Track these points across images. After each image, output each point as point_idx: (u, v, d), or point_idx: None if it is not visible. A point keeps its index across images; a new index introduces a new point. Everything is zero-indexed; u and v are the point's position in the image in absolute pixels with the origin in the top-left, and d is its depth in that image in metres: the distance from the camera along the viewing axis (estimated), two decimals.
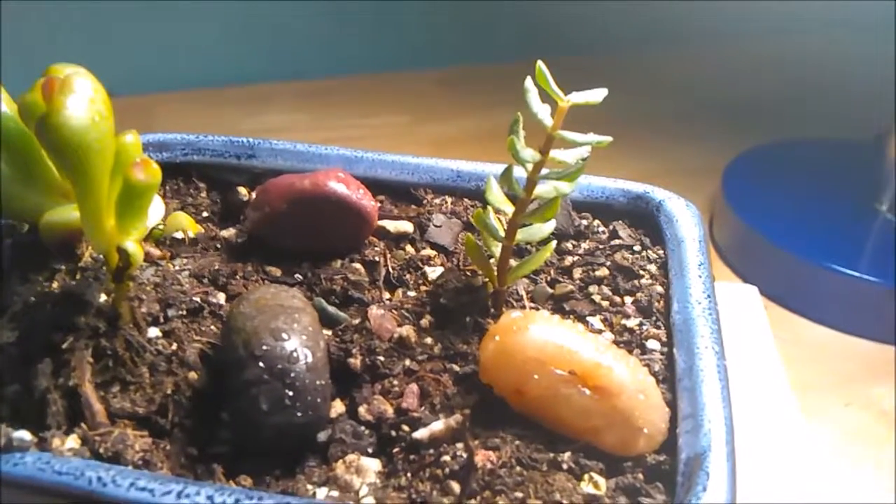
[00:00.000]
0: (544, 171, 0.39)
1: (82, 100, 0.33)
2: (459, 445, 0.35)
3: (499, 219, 0.42)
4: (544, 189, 0.39)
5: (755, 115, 1.00)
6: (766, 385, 0.60)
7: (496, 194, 0.41)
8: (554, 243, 0.42)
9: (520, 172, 0.39)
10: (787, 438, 0.57)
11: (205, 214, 0.49)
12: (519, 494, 0.33)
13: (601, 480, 0.34)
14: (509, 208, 0.41)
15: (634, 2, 1.08)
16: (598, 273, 0.44)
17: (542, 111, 0.38)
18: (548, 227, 0.41)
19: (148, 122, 0.96)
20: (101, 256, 0.39)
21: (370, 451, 0.35)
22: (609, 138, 0.38)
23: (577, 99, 0.38)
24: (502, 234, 0.40)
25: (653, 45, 1.11)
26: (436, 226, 0.47)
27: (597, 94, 0.38)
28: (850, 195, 0.79)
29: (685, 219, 0.45)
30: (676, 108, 1.02)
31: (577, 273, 0.45)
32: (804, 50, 1.11)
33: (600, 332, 0.41)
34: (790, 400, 0.60)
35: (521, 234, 0.41)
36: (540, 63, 0.37)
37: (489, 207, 0.41)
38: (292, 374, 0.35)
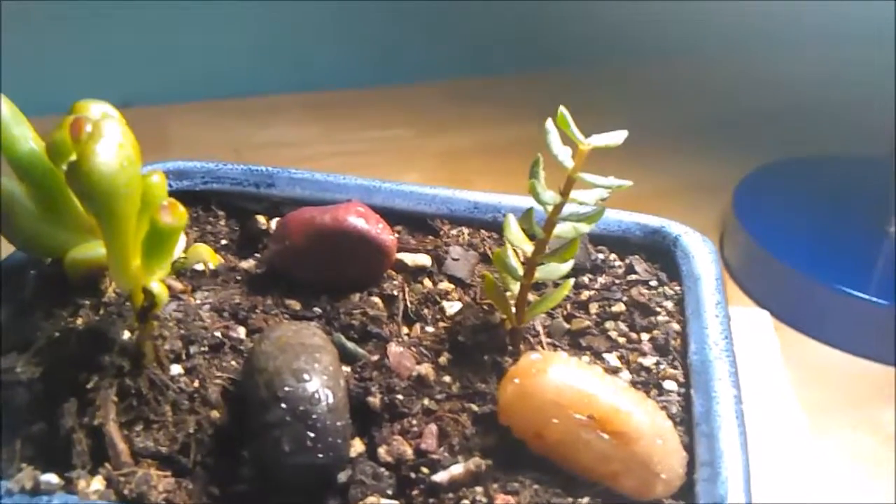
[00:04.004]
0: (565, 210, 0.39)
1: (111, 145, 0.33)
2: (479, 489, 0.35)
3: (517, 255, 0.42)
4: (564, 230, 0.40)
5: (767, 131, 1.00)
6: (777, 409, 0.61)
7: (515, 233, 0.42)
8: (572, 281, 0.42)
9: (539, 210, 0.39)
10: (797, 460, 0.57)
11: (224, 242, 0.49)
12: None
13: None
14: (528, 247, 0.41)
15: (644, 16, 1.08)
16: (614, 308, 0.45)
17: (563, 153, 0.39)
18: (566, 267, 0.42)
19: (162, 133, 0.96)
20: (125, 292, 0.39)
21: (390, 493, 0.36)
22: (629, 182, 0.38)
23: (597, 142, 0.38)
24: (521, 272, 0.41)
25: (664, 58, 1.11)
26: (453, 259, 0.47)
27: (617, 137, 0.39)
28: (861, 214, 0.80)
29: (702, 255, 0.45)
30: (687, 123, 1.02)
31: (594, 308, 0.45)
32: (816, 66, 1.11)
33: (617, 370, 0.42)
34: (800, 422, 0.60)
35: (540, 273, 0.41)
36: (562, 108, 0.37)
37: (507, 244, 0.42)
38: (314, 416, 0.35)
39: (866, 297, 0.70)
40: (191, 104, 1.01)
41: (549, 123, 0.39)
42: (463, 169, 0.93)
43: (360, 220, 0.44)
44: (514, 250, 0.42)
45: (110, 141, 0.33)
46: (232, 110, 1.02)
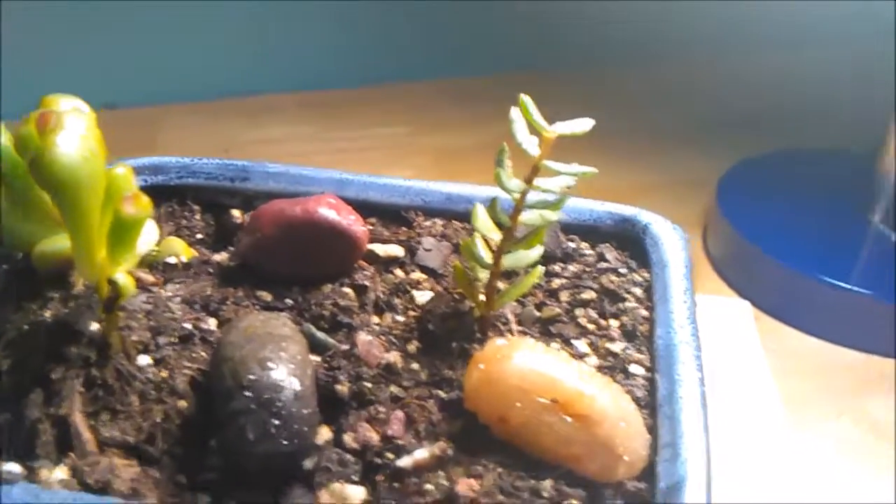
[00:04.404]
0: (531, 197, 0.40)
1: (73, 137, 0.34)
2: (442, 473, 0.35)
3: (487, 245, 0.42)
4: (530, 217, 0.40)
5: (750, 126, 1.00)
6: (756, 402, 0.61)
7: (484, 221, 0.42)
8: (542, 269, 0.42)
9: (507, 199, 0.40)
10: (776, 449, 0.57)
11: (199, 237, 0.50)
12: None
13: None
14: (497, 235, 0.41)
15: (633, 16, 1.08)
16: (584, 296, 0.45)
17: (528, 141, 0.39)
18: (534, 254, 0.42)
19: (151, 133, 0.96)
20: (90, 284, 0.40)
21: (355, 478, 0.36)
22: (594, 169, 0.38)
23: (562, 129, 0.38)
24: (489, 261, 0.41)
25: (649, 57, 1.12)
26: (425, 249, 0.47)
27: (583, 124, 0.39)
28: (844, 206, 0.80)
29: (671, 242, 0.46)
30: (671, 119, 1.02)
31: (565, 296, 0.45)
32: (799, 62, 1.11)
33: (586, 355, 0.42)
34: (779, 414, 0.60)
35: (508, 261, 0.41)
36: (523, 96, 0.38)
37: (476, 234, 0.42)
38: (279, 404, 0.35)
39: (848, 286, 0.70)
40: (181, 105, 1.02)
41: (515, 112, 0.39)
42: (457, 167, 0.93)
43: (331, 212, 0.45)
44: (484, 239, 0.42)
45: (72, 133, 0.34)
46: (223, 110, 1.02)
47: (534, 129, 0.39)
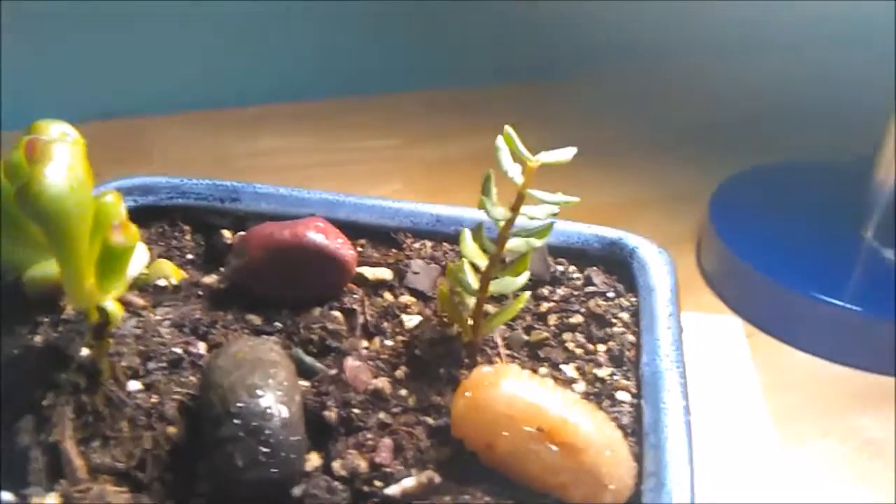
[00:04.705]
0: (517, 223, 0.40)
1: (60, 168, 0.34)
2: (430, 502, 0.36)
3: (474, 270, 0.43)
4: (516, 244, 0.40)
5: (744, 140, 1.01)
6: (746, 419, 0.61)
7: (471, 247, 0.42)
8: (528, 294, 0.43)
9: (492, 225, 0.40)
10: (767, 467, 0.58)
11: (189, 257, 0.50)
12: None
13: None
14: (483, 262, 0.42)
15: (622, 27, 1.09)
16: (572, 320, 0.45)
17: (513, 170, 0.39)
18: (520, 280, 0.42)
19: (144, 144, 0.97)
20: (79, 310, 0.40)
21: None
22: (576, 199, 0.39)
23: (546, 158, 0.39)
24: (476, 286, 0.41)
25: (639, 67, 1.12)
26: (414, 272, 0.48)
27: (566, 154, 0.39)
28: (836, 221, 0.80)
29: (657, 266, 0.46)
30: (666, 133, 1.03)
31: (553, 319, 0.46)
32: (795, 72, 1.12)
33: (573, 381, 0.42)
34: (770, 431, 0.61)
35: (494, 286, 0.42)
36: (507, 128, 0.38)
37: (464, 259, 0.42)
38: (267, 432, 0.36)
39: (841, 303, 0.70)
40: (174, 116, 1.02)
41: (500, 140, 0.39)
42: (447, 179, 0.93)
43: (319, 236, 0.45)
44: (472, 264, 0.42)
45: (59, 163, 0.34)
46: (216, 121, 1.03)
47: (518, 157, 0.39)
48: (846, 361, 0.70)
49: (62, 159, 0.34)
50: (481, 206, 0.39)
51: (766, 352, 0.71)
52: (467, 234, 0.42)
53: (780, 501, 0.56)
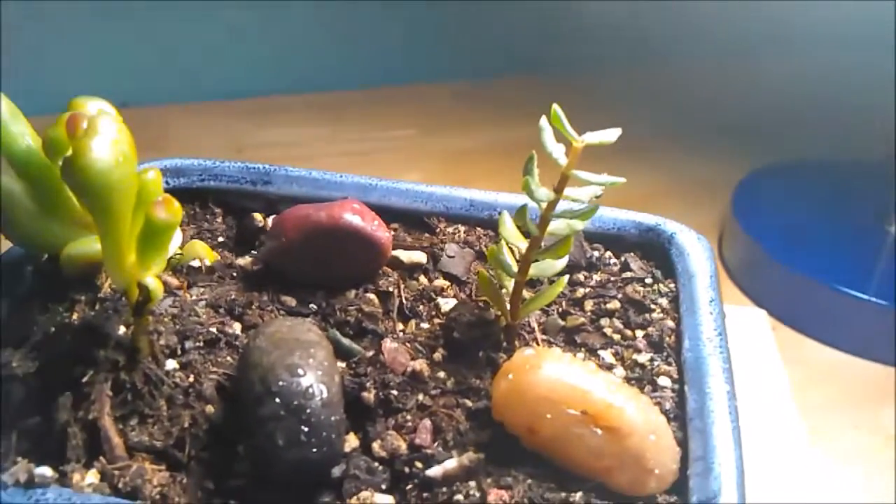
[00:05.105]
0: (559, 206, 0.39)
1: (107, 141, 0.33)
2: (472, 484, 0.35)
3: (512, 252, 0.42)
4: (558, 226, 0.40)
5: (767, 132, 1.00)
6: (774, 411, 0.61)
7: (510, 230, 0.42)
8: (566, 278, 0.42)
9: (534, 207, 0.40)
10: (795, 459, 0.57)
11: (220, 240, 0.50)
12: None
13: None
14: (523, 244, 0.41)
15: (647, 19, 1.08)
16: (609, 306, 0.45)
17: (557, 150, 0.39)
18: (560, 263, 0.42)
19: (162, 133, 0.97)
20: (120, 287, 0.40)
21: (384, 487, 0.36)
22: (622, 179, 0.38)
23: (591, 139, 0.38)
24: (515, 269, 0.41)
25: (666, 60, 1.12)
26: (449, 256, 0.47)
27: (610, 135, 0.39)
28: (860, 215, 0.80)
29: (696, 252, 0.46)
30: (689, 124, 1.02)
31: (589, 305, 0.45)
32: (819, 69, 1.11)
33: (612, 366, 0.42)
34: (797, 423, 0.60)
35: (534, 270, 0.41)
36: (555, 106, 0.38)
37: (502, 241, 0.42)
38: (308, 411, 0.35)
39: (866, 297, 0.70)
40: (192, 105, 1.02)
41: (544, 121, 0.39)
42: (465, 169, 0.93)
43: (356, 217, 0.44)
44: (510, 247, 0.42)
45: (106, 137, 0.34)
46: (234, 111, 1.02)
47: (561, 138, 0.39)
48: (870, 355, 0.70)
49: (108, 133, 0.34)
50: (524, 188, 0.39)
51: (790, 345, 0.70)
52: (507, 217, 0.42)
53: (809, 496, 0.55)
